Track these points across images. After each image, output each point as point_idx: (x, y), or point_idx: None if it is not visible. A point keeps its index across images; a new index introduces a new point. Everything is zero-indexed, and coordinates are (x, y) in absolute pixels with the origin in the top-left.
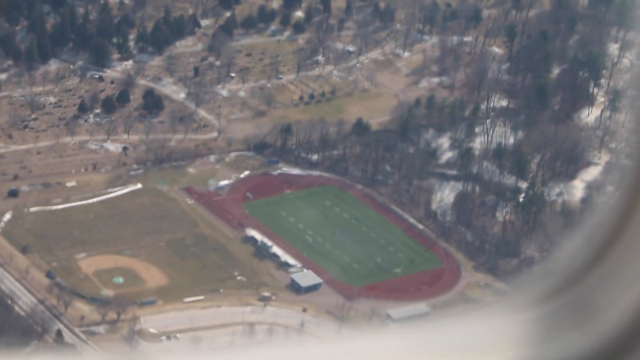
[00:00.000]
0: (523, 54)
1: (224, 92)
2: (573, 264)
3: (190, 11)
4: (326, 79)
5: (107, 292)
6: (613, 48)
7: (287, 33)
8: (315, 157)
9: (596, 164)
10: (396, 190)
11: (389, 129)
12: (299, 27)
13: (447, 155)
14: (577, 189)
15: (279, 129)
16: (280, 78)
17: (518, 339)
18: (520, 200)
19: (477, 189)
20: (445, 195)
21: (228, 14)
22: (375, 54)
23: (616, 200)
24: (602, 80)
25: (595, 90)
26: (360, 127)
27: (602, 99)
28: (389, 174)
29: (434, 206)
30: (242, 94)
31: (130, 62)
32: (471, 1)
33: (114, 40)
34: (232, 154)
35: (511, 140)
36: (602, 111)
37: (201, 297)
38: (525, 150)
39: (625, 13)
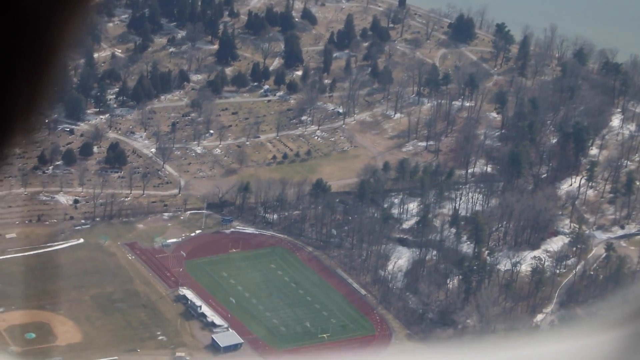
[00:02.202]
0: (515, 121)
1: (198, 149)
2: None
3: (185, 66)
4: (307, 139)
5: (14, 349)
6: (615, 118)
7: (280, 93)
8: (274, 216)
9: (565, 234)
10: (349, 254)
11: (351, 191)
12: (293, 87)
13: (413, 221)
14: (538, 258)
15: (237, 188)
16: (258, 137)
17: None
18: (466, 269)
19: (435, 255)
20: (401, 261)
21: (227, 70)
22: (365, 115)
23: None
24: (595, 151)
25: (585, 160)
26: (320, 188)
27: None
28: (335, 237)
29: (387, 272)
30: (217, 151)
31: (107, 115)
32: (485, 66)
33: (94, 93)
34: (188, 212)
35: (480, 207)
36: (579, 181)
37: (115, 358)
38: (481, 219)
39: (630, 83)
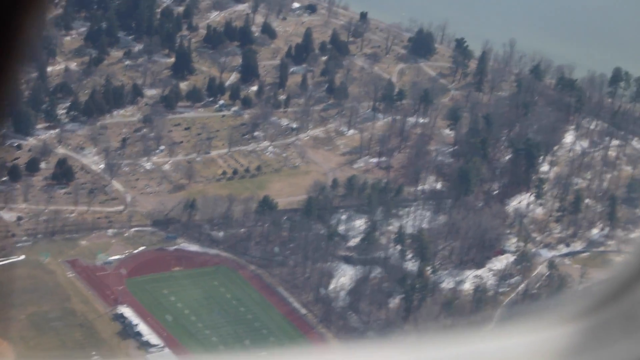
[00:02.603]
0: (469, 137)
1: (147, 165)
2: (623, 274)
3: (140, 80)
4: (258, 154)
5: None
6: (568, 134)
7: (235, 108)
8: (220, 234)
9: (511, 252)
10: (291, 272)
11: (299, 208)
12: (247, 102)
13: (360, 238)
14: (479, 277)
15: (183, 205)
16: (209, 153)
17: (563, 350)
18: (409, 287)
19: (381, 273)
20: (345, 279)
21: (182, 84)
22: (319, 131)
23: None
24: (547, 168)
25: (535, 177)
26: (266, 205)
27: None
28: (278, 256)
29: (331, 290)
30: (166, 167)
31: (57, 130)
32: (442, 82)
33: (44, 108)
34: (132, 229)
35: (427, 225)
36: (528, 199)
37: None
38: (426, 237)
39: (585, 99)
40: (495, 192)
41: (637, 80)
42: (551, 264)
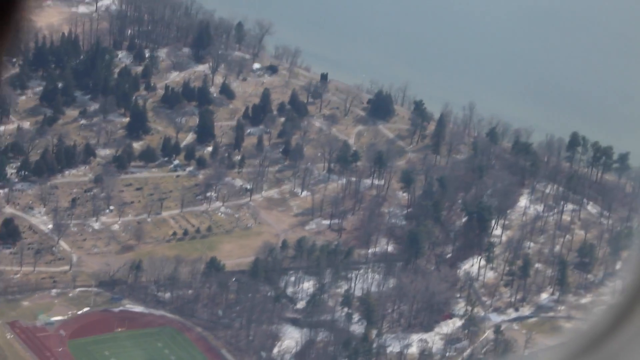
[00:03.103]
0: (423, 200)
1: (96, 225)
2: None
3: (94, 140)
4: (210, 215)
5: None
6: (523, 198)
7: (190, 168)
8: (166, 295)
9: (460, 316)
10: (236, 334)
11: (247, 269)
12: (202, 163)
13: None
14: (424, 341)
15: (130, 265)
16: (159, 213)
17: None
18: (353, 350)
19: (327, 336)
20: (290, 341)
21: (136, 144)
22: (273, 192)
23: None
24: (500, 231)
25: (489, 240)
26: (213, 267)
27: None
28: (223, 318)
29: (275, 353)
30: (115, 227)
31: (6, 190)
32: (400, 144)
33: None
34: (77, 289)
35: (377, 288)
36: (479, 262)
37: None
38: (372, 300)
39: (540, 163)
40: (449, 256)
41: (594, 145)
42: (497, 329)
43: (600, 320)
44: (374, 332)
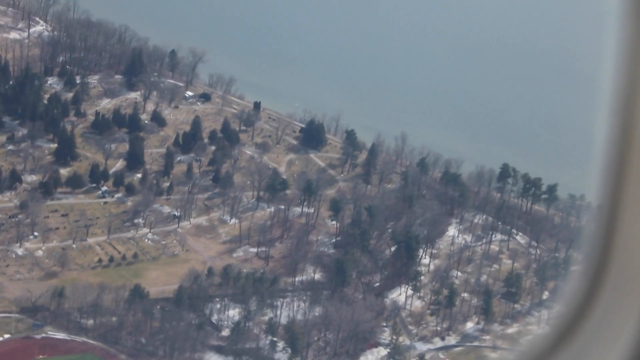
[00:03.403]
0: (351, 229)
1: (20, 251)
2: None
3: (21, 165)
4: (137, 242)
5: None
6: (452, 227)
7: (118, 195)
8: (89, 322)
9: (385, 345)
10: None
11: (172, 297)
12: (131, 189)
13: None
14: None
15: (52, 292)
16: (85, 240)
17: None
18: None
19: None
20: None
21: (64, 170)
22: (202, 219)
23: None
24: (428, 260)
25: (415, 269)
26: (137, 294)
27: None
28: (145, 346)
29: None
30: (39, 253)
31: None
32: (331, 173)
33: None
34: None
35: (303, 316)
36: (406, 291)
37: None
38: (296, 328)
39: (468, 193)
40: (377, 284)
41: (524, 177)
42: (422, 358)
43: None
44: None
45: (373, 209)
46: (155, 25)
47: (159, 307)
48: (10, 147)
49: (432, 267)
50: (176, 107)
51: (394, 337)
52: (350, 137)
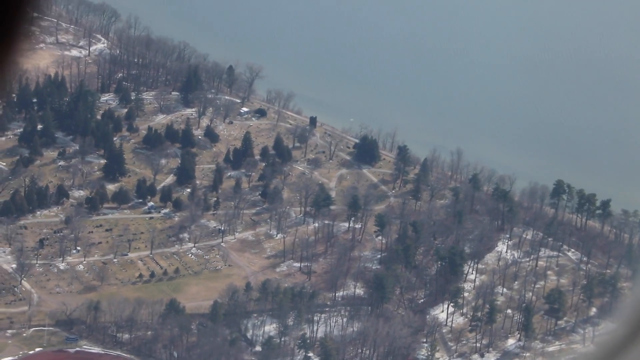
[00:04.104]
0: (397, 245)
1: (62, 266)
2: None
3: (70, 181)
4: (181, 257)
5: None
6: (501, 243)
7: (165, 210)
8: (125, 336)
9: None
10: None
11: (206, 312)
12: (178, 204)
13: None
14: None
15: (88, 306)
16: (126, 254)
17: None
18: None
19: None
20: None
21: (111, 186)
22: (248, 234)
23: None
24: (474, 276)
25: (456, 286)
26: (173, 309)
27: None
28: (178, 358)
29: None
30: (80, 267)
31: None
32: (383, 188)
33: None
34: (32, 329)
35: (341, 331)
36: (447, 308)
37: None
38: (330, 343)
39: (517, 209)
40: (421, 301)
41: (579, 193)
42: None
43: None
44: None
45: (419, 225)
46: (216, 42)
47: (197, 322)
48: (61, 162)
49: (477, 283)
50: (230, 122)
51: (430, 353)
52: (402, 153)
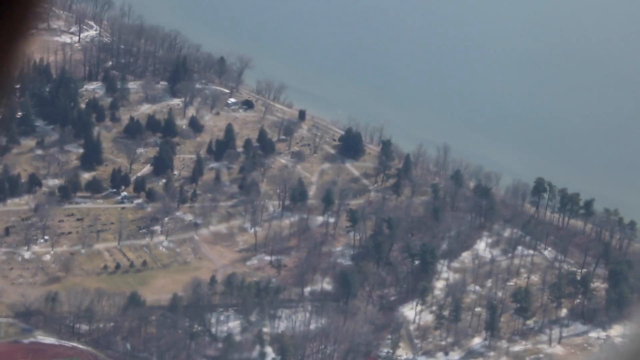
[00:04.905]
0: (371, 241)
1: (27, 255)
2: None
3: (45, 170)
4: (150, 249)
5: None
6: (480, 241)
7: (138, 200)
8: (83, 328)
9: (384, 359)
10: None
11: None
12: (152, 195)
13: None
14: None
15: (47, 297)
16: (92, 245)
17: None
18: None
19: None
20: None
21: (86, 175)
22: (222, 227)
23: None
24: (447, 274)
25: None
26: (134, 301)
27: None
28: (136, 351)
29: None
30: (47, 257)
31: None
32: (364, 182)
33: None
34: None
35: (304, 327)
36: (417, 305)
37: None
38: (287, 340)
39: (497, 207)
40: (393, 298)
41: (561, 192)
42: None
43: None
44: None
45: (394, 221)
46: (209, 32)
47: (159, 314)
48: (39, 151)
49: (451, 280)
50: (217, 113)
51: (390, 350)
52: (385, 147)
